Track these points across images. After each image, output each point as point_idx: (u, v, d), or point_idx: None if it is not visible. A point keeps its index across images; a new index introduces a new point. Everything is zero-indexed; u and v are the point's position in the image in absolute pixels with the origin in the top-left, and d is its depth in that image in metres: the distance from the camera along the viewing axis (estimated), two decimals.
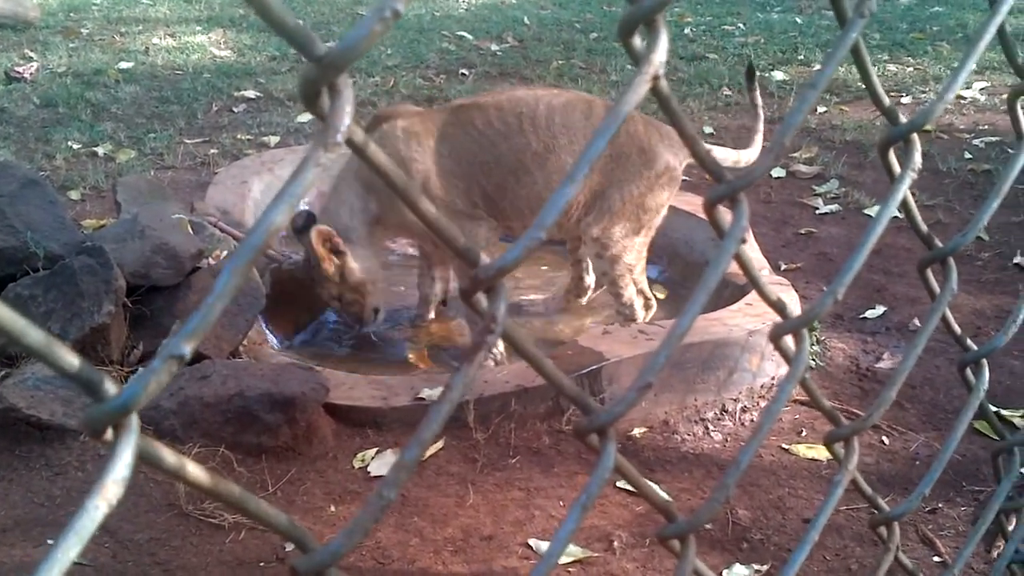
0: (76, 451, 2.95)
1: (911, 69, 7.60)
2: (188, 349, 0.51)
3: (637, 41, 0.69)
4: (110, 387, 0.48)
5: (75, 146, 5.72)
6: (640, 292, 3.90)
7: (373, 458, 3.07)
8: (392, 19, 0.54)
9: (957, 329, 1.21)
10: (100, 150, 5.66)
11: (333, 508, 2.85)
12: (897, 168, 0.99)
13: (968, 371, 1.25)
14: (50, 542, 2.67)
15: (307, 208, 3.87)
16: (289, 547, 2.70)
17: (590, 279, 4.21)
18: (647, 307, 3.92)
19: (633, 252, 3.82)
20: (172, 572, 2.58)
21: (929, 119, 0.98)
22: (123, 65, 7.46)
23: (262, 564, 2.64)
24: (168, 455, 0.53)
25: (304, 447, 3.03)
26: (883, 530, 1.21)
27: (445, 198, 3.67)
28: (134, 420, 0.50)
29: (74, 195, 4.94)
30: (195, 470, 0.55)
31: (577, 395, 0.78)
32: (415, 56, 7.95)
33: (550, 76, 7.41)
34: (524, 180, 3.68)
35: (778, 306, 0.96)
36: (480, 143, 3.67)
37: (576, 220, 3.81)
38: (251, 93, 6.87)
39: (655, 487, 0.94)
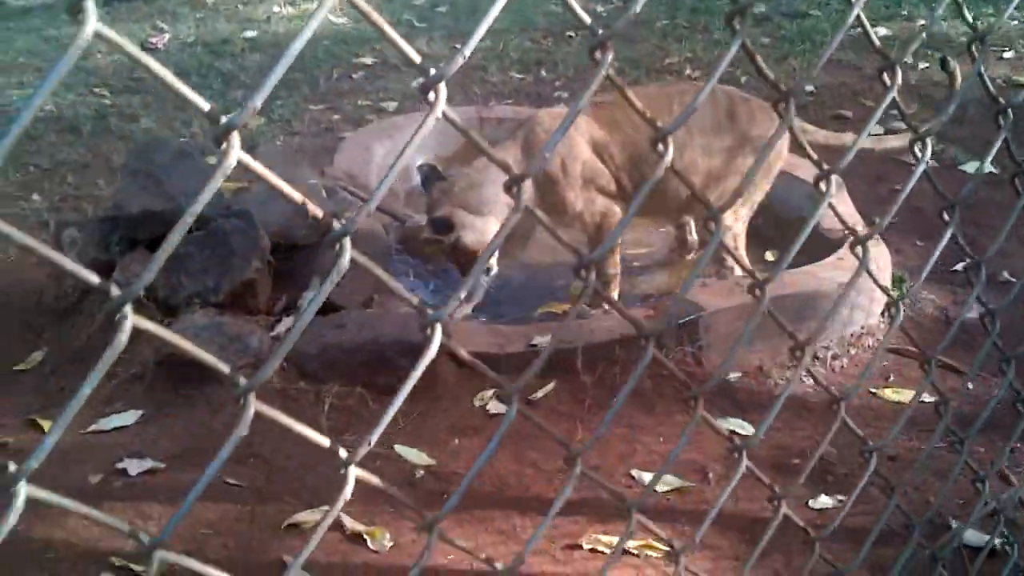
0: (231, 391, 3.35)
1: (1016, 23, 7.61)
2: None
3: None
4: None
5: (206, 104, 6.14)
6: (739, 260, 4.16)
7: (491, 398, 3.41)
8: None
9: None
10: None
11: (456, 441, 3.21)
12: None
13: None
14: None
15: (428, 163, 4.14)
16: (420, 472, 3.07)
17: (693, 238, 4.48)
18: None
19: (740, 223, 4.08)
20: (317, 494, 2.96)
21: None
22: (248, 34, 7.88)
23: (396, 488, 3.00)
24: None
25: (429, 388, 3.38)
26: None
27: (600, 182, 3.97)
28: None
29: (211, 161, 5.35)
30: None
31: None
32: (523, 19, 8.21)
33: (654, 36, 7.61)
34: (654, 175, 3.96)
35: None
36: (624, 142, 3.96)
37: (696, 206, 4.10)
38: (368, 60, 7.22)
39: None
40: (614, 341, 3.51)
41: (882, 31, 7.49)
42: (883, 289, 1.67)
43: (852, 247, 1.49)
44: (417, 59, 0.90)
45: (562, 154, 3.89)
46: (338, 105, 6.28)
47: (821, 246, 4.07)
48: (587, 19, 1.01)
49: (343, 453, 0.96)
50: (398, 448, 3.16)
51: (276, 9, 8.62)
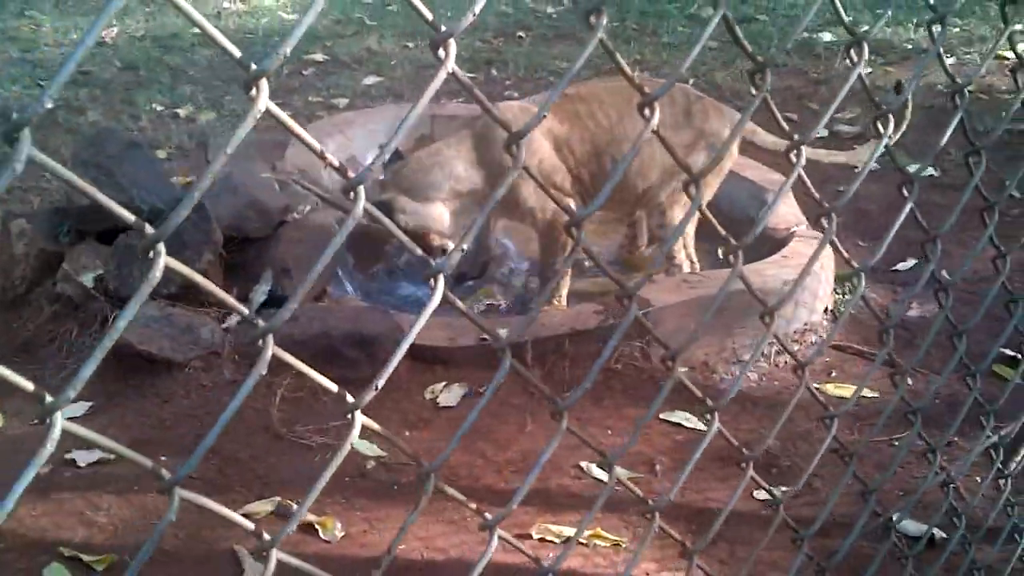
0: (182, 381, 3.36)
1: (956, 30, 7.77)
2: None
3: None
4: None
5: (158, 108, 6.12)
6: (688, 256, 4.23)
7: (442, 391, 3.44)
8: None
9: None
10: (181, 111, 6.05)
11: (407, 433, 3.24)
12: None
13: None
14: (163, 458, 3.08)
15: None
16: (371, 464, 3.09)
17: (643, 238, 4.53)
18: (693, 269, 4.24)
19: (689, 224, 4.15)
20: (270, 485, 2.98)
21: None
22: (197, 29, 7.82)
23: (347, 479, 3.03)
24: None
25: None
26: None
27: (556, 179, 4.01)
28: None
29: (161, 154, 5.33)
30: None
31: None
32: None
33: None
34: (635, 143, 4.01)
35: None
36: (582, 134, 4.01)
37: (652, 199, 4.16)
38: (319, 56, 7.22)
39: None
40: (563, 335, 3.56)
41: (826, 36, 7.61)
42: (846, 260, 1.73)
43: (817, 219, 1.55)
44: (429, 16, 0.94)
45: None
46: (288, 101, 6.28)
47: (765, 244, 4.15)
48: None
49: (349, 398, 1.01)
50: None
51: (226, 5, 8.58)
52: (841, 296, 4.17)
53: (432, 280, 1.06)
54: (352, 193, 0.94)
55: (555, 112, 4.01)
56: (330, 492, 2.94)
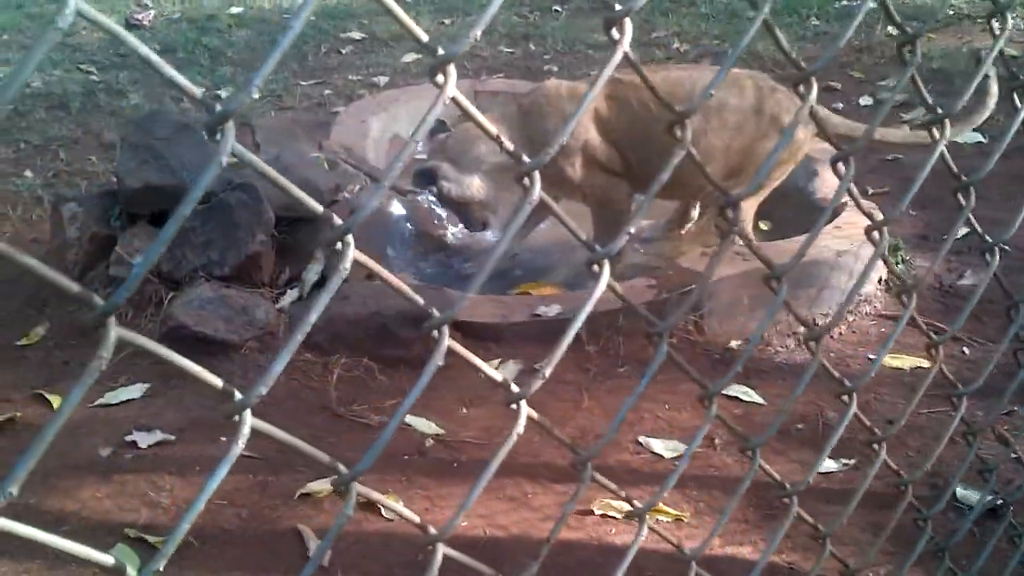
0: (238, 362, 3.37)
1: None
2: None
3: None
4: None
5: (199, 90, 6.12)
6: (746, 236, 4.17)
7: (496, 367, 3.43)
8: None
9: None
10: (222, 93, 6.06)
11: (465, 410, 3.24)
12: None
13: None
14: (223, 439, 3.09)
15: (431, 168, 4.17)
16: (430, 442, 3.09)
17: (695, 212, 4.49)
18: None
19: (751, 209, 4.10)
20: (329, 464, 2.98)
21: None
22: (234, 10, 7.84)
23: (406, 457, 3.03)
24: None
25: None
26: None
27: (602, 159, 3.98)
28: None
29: (204, 135, 5.33)
30: None
31: None
32: None
33: (640, 11, 7.61)
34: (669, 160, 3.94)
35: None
36: (633, 121, 3.95)
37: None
38: (356, 35, 7.21)
39: None
40: (617, 310, 3.54)
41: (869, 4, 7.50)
42: (896, 274, 1.69)
43: (868, 232, 1.51)
44: (424, 38, 0.88)
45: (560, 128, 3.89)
46: (328, 80, 6.28)
47: (817, 216, 4.10)
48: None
49: (515, 388, 1.00)
50: (407, 418, 3.18)
51: None
52: (896, 266, 4.12)
53: (596, 266, 1.05)
54: (527, 178, 0.92)
55: (602, 94, 3.97)
56: (390, 470, 2.95)
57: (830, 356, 3.66)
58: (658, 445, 3.11)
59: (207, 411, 3.22)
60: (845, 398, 1.57)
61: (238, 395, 0.76)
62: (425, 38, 0.88)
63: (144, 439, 3.07)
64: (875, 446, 1.71)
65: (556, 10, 7.82)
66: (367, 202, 0.79)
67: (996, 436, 3.20)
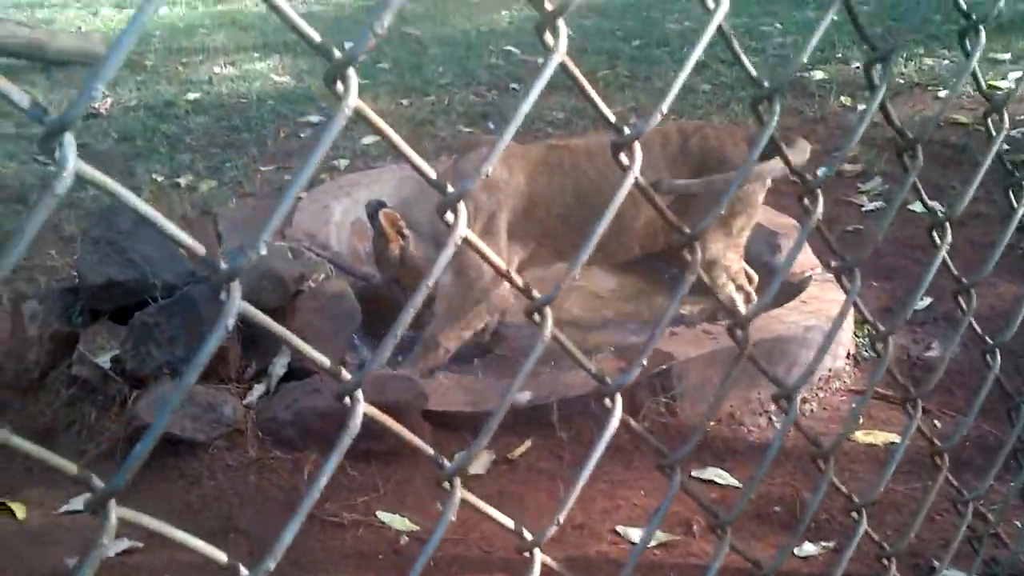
0: (206, 462, 3.30)
1: (947, 62, 7.81)
2: None
3: None
4: None
5: (158, 178, 6.09)
6: (740, 288, 4.17)
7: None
8: (382, 35, 0.83)
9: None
10: (182, 181, 6.02)
11: (439, 505, 3.18)
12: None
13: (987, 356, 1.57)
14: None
15: (377, 199, 4.15)
16: (405, 539, 3.03)
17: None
18: (747, 300, 4.15)
19: (729, 254, 4.09)
20: (303, 566, 2.91)
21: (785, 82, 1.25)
22: (191, 96, 7.83)
23: (380, 556, 2.97)
24: None
25: (408, 450, 3.35)
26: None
27: (498, 232, 3.93)
28: None
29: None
30: None
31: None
32: (466, 73, 8.27)
33: (597, 86, 7.68)
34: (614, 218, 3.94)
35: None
36: (564, 184, 3.94)
37: (663, 240, 4.07)
38: (315, 118, 7.22)
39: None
40: (589, 395, 3.51)
41: (818, 75, 7.64)
42: (871, 324, 1.67)
43: (838, 276, 1.48)
44: (317, 39, 0.85)
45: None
46: (288, 164, 6.26)
47: (781, 290, 4.12)
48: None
49: (527, 535, 0.97)
50: (380, 514, 3.12)
51: (217, 69, 8.59)
52: (862, 340, 4.13)
53: (609, 400, 1.03)
54: (451, 211, 0.89)
55: (541, 156, 3.99)
56: (364, 571, 2.89)
57: (800, 435, 3.64)
58: (636, 534, 3.07)
59: (175, 514, 3.14)
60: (821, 463, 1.55)
61: (99, 484, 0.72)
62: (318, 39, 0.84)
63: (112, 547, 2.98)
64: (854, 514, 1.68)
65: (514, 88, 7.88)
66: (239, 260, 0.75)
67: (975, 513, 3.19)
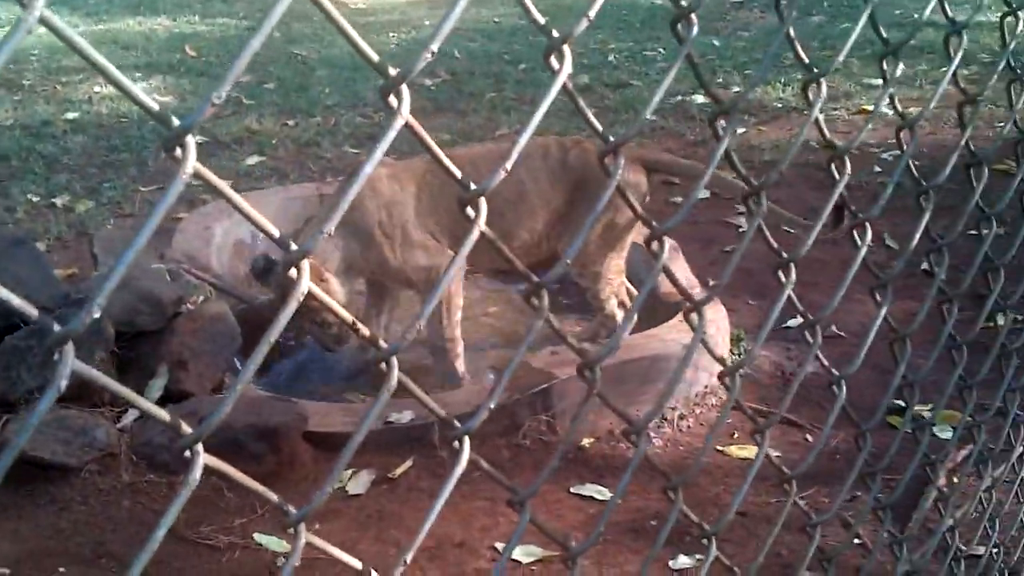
0: (78, 487, 3.23)
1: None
2: None
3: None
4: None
5: (33, 199, 5.95)
6: (621, 304, 4.27)
7: (350, 479, 3.38)
8: (218, 103, 0.85)
9: None
10: (58, 201, 5.89)
11: (318, 525, 3.17)
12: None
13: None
14: (62, 570, 2.96)
15: (264, 255, 4.04)
16: (280, 562, 3.01)
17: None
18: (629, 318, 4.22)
19: (612, 268, 4.18)
20: None
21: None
22: (69, 115, 7.67)
23: None
24: None
25: (287, 472, 3.33)
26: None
27: (420, 239, 3.99)
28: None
29: (40, 246, 5.18)
30: None
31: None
32: (353, 95, 8.27)
33: (483, 109, 7.76)
34: (497, 224, 3.99)
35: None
36: (455, 193, 3.94)
37: (547, 247, 4.16)
38: (198, 138, 7.11)
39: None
40: (467, 414, 3.52)
41: (699, 99, 7.81)
42: (719, 360, 1.70)
43: (687, 315, 1.47)
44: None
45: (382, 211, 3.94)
46: (169, 184, 6.16)
47: (664, 308, 4.20)
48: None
49: (292, 509, 0.96)
50: (257, 536, 3.10)
51: (97, 89, 8.42)
52: (737, 356, 4.23)
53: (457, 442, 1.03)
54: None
55: (427, 169, 4.00)
56: None
57: (679, 449, 3.73)
58: (516, 551, 3.10)
59: (46, 540, 3.08)
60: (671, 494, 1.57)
61: None
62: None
63: None
64: (704, 541, 1.72)
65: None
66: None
67: (840, 521, 3.29)
